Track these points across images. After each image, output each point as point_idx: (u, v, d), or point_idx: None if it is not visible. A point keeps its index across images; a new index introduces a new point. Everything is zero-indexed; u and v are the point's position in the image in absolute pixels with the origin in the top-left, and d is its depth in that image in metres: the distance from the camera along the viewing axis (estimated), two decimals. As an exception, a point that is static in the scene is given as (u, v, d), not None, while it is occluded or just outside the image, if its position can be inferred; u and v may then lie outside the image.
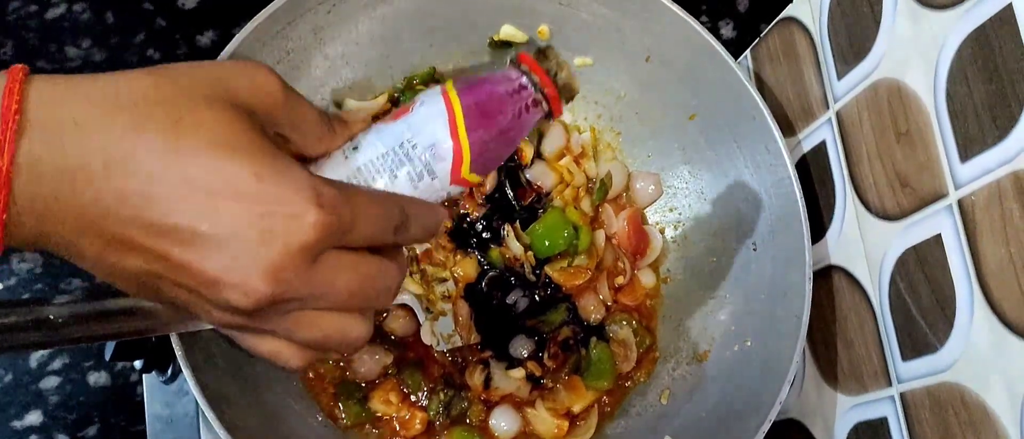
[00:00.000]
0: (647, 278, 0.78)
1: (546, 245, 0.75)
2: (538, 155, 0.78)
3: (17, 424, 0.76)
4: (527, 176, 0.77)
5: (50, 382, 0.77)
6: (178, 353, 0.59)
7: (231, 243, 0.36)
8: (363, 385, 0.71)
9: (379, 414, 0.71)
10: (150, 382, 0.74)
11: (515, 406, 0.73)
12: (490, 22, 0.75)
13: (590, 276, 0.76)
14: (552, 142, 0.78)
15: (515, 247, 0.75)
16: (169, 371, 0.72)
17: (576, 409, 0.73)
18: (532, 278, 0.75)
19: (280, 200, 0.37)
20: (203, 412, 0.59)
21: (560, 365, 0.74)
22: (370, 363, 0.71)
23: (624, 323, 0.76)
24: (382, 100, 0.75)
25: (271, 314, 0.39)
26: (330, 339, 0.41)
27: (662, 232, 0.79)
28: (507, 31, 0.75)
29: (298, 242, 0.37)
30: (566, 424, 0.72)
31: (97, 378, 0.78)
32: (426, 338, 0.71)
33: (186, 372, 0.59)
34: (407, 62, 0.76)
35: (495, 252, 0.75)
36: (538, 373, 0.73)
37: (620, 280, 0.77)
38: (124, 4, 0.87)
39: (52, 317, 0.45)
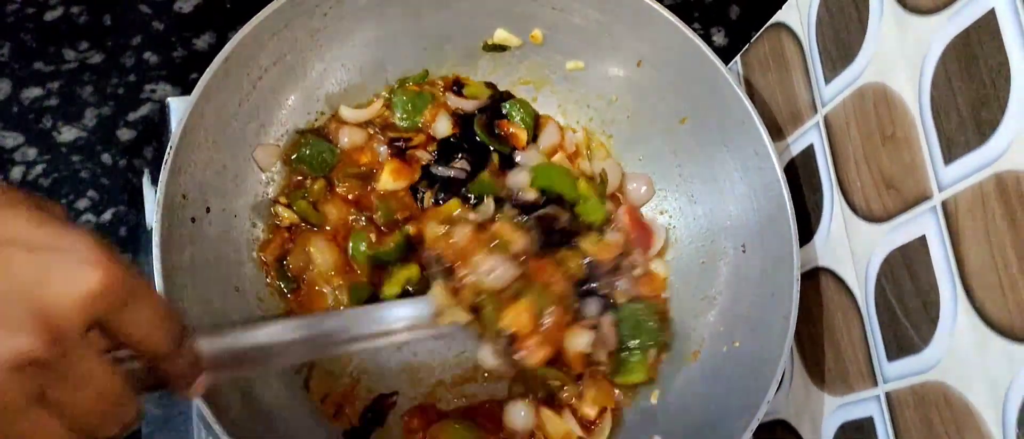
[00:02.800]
0: (660, 268, 0.78)
1: (552, 183, 0.75)
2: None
3: (12, 423, 0.76)
4: (518, 159, 0.77)
5: (45, 381, 0.77)
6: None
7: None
8: None
9: None
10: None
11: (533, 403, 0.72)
12: (484, 25, 0.76)
13: (621, 251, 0.74)
14: (547, 138, 0.79)
15: (519, 179, 0.75)
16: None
17: (593, 413, 0.72)
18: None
19: (57, 243, 0.36)
20: (199, 411, 0.59)
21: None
22: None
23: (651, 322, 0.74)
24: (377, 106, 0.76)
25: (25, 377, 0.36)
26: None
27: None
28: (501, 35, 0.76)
29: (79, 292, 0.36)
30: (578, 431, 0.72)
31: (92, 377, 0.78)
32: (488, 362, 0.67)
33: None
34: (402, 65, 0.77)
35: (486, 179, 0.74)
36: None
37: (637, 271, 0.76)
38: (121, 7, 0.88)
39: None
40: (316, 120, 0.75)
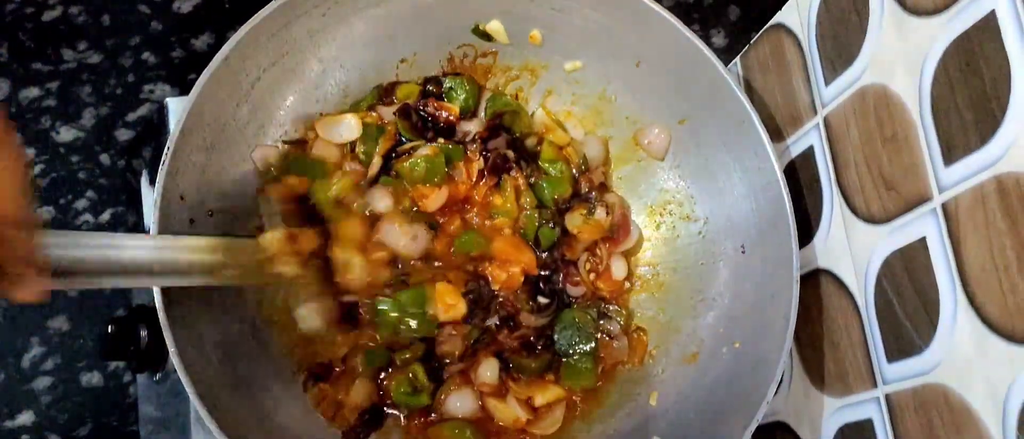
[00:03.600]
0: (619, 268, 0.78)
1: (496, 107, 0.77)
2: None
3: (9, 424, 0.76)
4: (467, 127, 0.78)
5: (42, 382, 0.77)
6: (172, 350, 0.59)
7: None
8: None
9: None
10: (143, 382, 0.75)
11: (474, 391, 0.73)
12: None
13: (601, 237, 0.76)
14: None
15: (469, 127, 0.76)
16: (162, 371, 0.72)
17: (539, 402, 0.73)
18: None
19: None
20: (196, 412, 0.59)
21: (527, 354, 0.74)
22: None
23: (615, 319, 0.76)
24: (354, 123, 0.75)
25: None
26: None
27: (657, 229, 0.80)
28: (494, 27, 0.76)
29: None
30: (528, 415, 0.73)
31: (89, 378, 0.78)
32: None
33: (179, 369, 0.59)
34: (401, 65, 0.77)
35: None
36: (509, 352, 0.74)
37: (601, 266, 0.77)
38: (120, 7, 0.88)
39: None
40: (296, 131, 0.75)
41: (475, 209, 0.75)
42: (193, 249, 0.56)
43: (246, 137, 0.71)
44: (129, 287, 0.67)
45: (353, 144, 0.75)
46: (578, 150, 0.79)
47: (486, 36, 0.76)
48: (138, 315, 0.68)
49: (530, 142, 0.78)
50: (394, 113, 0.76)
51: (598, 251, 0.77)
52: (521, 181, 0.75)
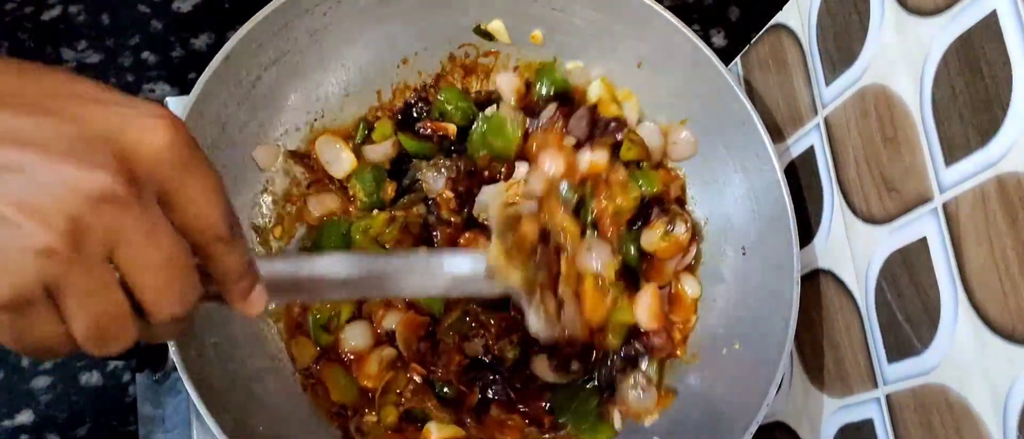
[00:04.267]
0: (691, 286, 0.74)
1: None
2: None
3: (8, 423, 0.76)
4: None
5: (41, 381, 0.77)
6: (172, 349, 0.59)
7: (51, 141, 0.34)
8: None
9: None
10: (142, 382, 0.75)
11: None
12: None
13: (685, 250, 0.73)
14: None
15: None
16: (161, 370, 0.72)
17: None
18: None
19: (127, 102, 0.36)
20: (196, 411, 0.59)
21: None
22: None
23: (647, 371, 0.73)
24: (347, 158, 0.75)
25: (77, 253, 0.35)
26: (110, 323, 0.37)
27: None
28: (496, 26, 0.76)
29: (155, 140, 0.36)
30: None
31: (88, 378, 0.78)
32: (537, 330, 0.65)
33: (180, 368, 0.59)
34: (403, 64, 0.77)
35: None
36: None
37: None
38: (120, 6, 0.88)
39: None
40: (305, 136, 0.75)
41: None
42: (419, 263, 0.58)
43: (247, 136, 0.71)
44: (337, 299, 0.69)
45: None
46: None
47: (487, 35, 0.76)
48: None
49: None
50: (388, 159, 0.75)
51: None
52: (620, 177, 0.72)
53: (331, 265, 0.52)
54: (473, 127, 0.75)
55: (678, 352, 0.74)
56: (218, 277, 0.42)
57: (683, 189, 0.77)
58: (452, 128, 0.76)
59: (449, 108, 0.76)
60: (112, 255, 0.36)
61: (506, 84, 0.77)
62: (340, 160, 0.75)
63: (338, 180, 0.75)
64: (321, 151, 0.74)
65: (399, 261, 0.58)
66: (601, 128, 0.74)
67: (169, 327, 0.40)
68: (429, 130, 0.76)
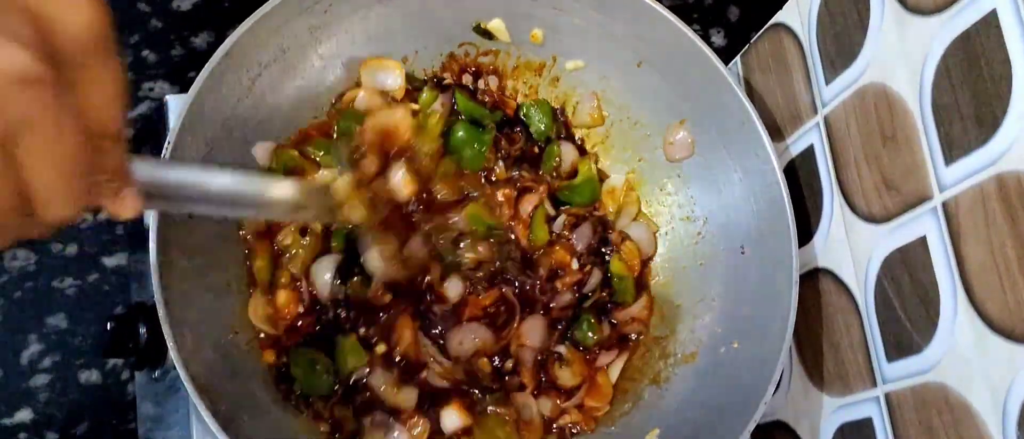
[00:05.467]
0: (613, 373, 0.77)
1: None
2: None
3: (7, 421, 0.76)
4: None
5: (40, 380, 0.77)
6: (171, 348, 0.59)
7: None
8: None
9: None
10: (141, 380, 0.74)
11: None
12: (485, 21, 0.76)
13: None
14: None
15: None
16: (161, 368, 0.72)
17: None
18: None
19: None
20: (195, 410, 0.59)
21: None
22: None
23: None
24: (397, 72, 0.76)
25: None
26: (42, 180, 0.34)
27: (656, 229, 0.80)
28: (496, 25, 0.76)
29: (78, 16, 0.33)
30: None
31: (87, 376, 0.78)
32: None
33: (179, 367, 0.59)
34: (402, 62, 0.77)
35: None
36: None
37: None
38: (119, 5, 0.87)
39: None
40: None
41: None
42: (277, 186, 0.58)
43: (246, 133, 0.71)
44: (211, 214, 0.67)
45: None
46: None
47: (487, 34, 0.76)
48: (137, 313, 0.68)
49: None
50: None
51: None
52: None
53: (194, 175, 0.52)
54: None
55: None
56: (99, 174, 0.38)
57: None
58: (513, 104, 0.78)
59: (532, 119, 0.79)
60: (12, 142, 0.32)
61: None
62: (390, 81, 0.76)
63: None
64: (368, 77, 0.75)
65: (248, 181, 0.57)
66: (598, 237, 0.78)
67: (48, 227, 0.36)
68: (487, 99, 0.77)
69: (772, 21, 0.76)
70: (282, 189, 0.58)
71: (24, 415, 0.76)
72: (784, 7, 0.74)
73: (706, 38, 0.93)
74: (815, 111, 0.70)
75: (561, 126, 0.80)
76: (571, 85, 0.79)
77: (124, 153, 0.39)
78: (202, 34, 0.88)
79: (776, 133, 0.75)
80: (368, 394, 0.70)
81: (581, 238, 0.77)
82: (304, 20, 0.70)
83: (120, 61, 0.36)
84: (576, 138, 0.80)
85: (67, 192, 0.34)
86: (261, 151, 0.72)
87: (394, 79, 0.75)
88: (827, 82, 0.68)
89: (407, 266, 0.67)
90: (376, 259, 0.65)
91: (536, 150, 0.79)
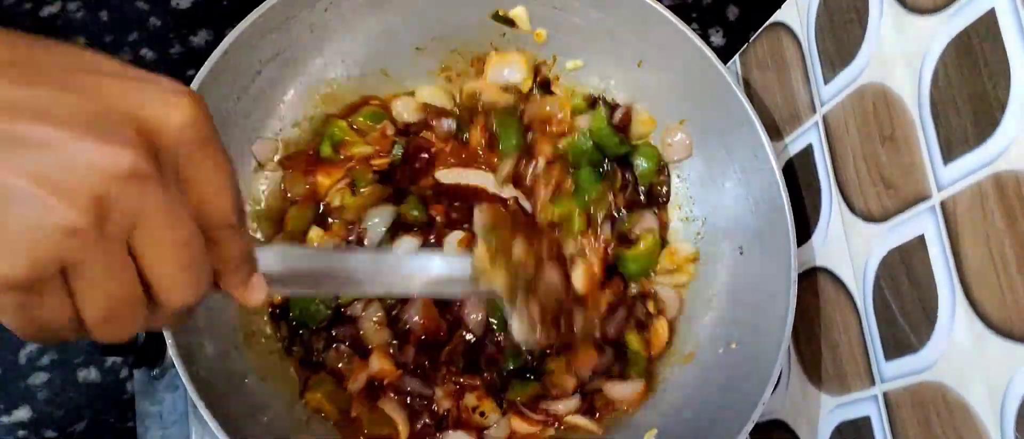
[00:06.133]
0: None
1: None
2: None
3: (5, 420, 0.76)
4: None
5: (39, 378, 0.77)
6: (170, 346, 0.59)
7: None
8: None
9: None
10: (140, 378, 0.75)
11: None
12: (485, 26, 0.76)
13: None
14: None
15: None
16: (159, 366, 0.72)
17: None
18: None
19: (148, 77, 0.35)
20: (194, 407, 0.59)
21: None
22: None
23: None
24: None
25: (99, 235, 0.33)
26: (122, 307, 0.35)
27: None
28: (518, 12, 0.75)
29: (176, 115, 0.34)
30: None
31: (86, 374, 0.78)
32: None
33: (177, 365, 0.59)
34: (402, 60, 0.77)
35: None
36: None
37: None
38: (118, 3, 0.87)
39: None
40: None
41: None
42: (430, 263, 0.57)
43: (246, 130, 0.71)
44: (337, 294, 0.69)
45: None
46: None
47: (508, 22, 0.76)
48: (136, 310, 0.68)
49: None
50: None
51: None
52: None
53: (324, 259, 0.53)
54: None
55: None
56: (221, 264, 0.40)
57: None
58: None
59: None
60: (130, 237, 0.34)
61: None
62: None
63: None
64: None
65: (386, 261, 0.58)
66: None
67: (175, 315, 0.38)
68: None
69: (771, 20, 0.76)
70: (441, 267, 0.57)
71: (23, 413, 0.76)
72: (783, 6, 0.74)
73: (705, 37, 0.93)
74: (814, 110, 0.70)
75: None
76: (571, 84, 0.79)
77: (245, 241, 0.41)
78: (201, 32, 0.88)
79: (775, 132, 0.75)
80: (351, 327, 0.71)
81: (612, 322, 0.74)
82: (304, 17, 0.70)
83: (227, 154, 0.38)
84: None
85: (186, 280, 0.36)
86: (260, 148, 0.72)
87: (519, 72, 0.76)
88: (826, 81, 0.68)
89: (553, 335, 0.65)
90: (522, 327, 0.63)
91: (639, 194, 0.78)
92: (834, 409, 0.67)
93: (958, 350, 0.54)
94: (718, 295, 0.75)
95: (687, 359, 0.74)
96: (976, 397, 0.53)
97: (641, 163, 0.77)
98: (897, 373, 0.60)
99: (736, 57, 0.82)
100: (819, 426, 0.69)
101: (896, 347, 0.60)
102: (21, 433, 0.76)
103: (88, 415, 0.77)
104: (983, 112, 0.51)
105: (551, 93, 0.78)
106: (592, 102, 0.77)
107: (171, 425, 0.71)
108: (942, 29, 0.54)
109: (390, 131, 0.75)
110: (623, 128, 0.77)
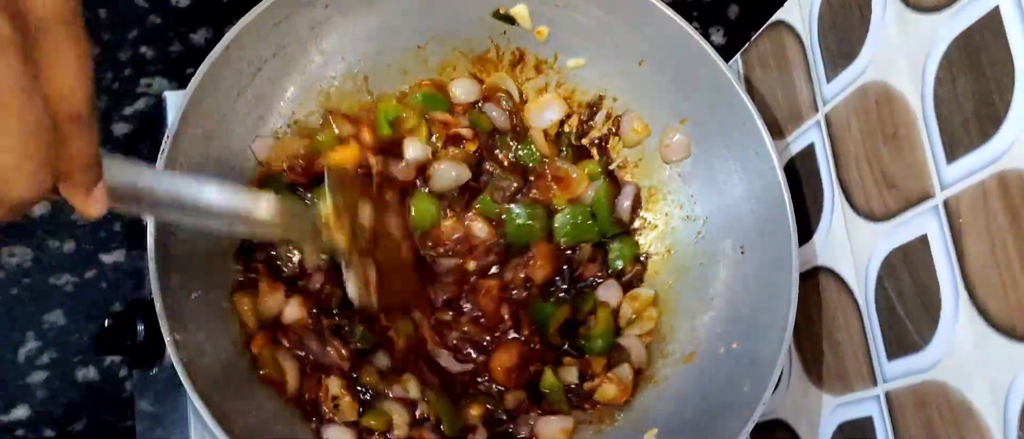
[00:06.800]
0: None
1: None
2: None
3: (4, 419, 0.76)
4: None
5: (37, 377, 0.77)
6: (169, 345, 0.59)
7: None
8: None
9: None
10: (139, 377, 0.74)
11: None
12: (486, 23, 0.76)
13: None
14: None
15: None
16: (158, 366, 0.72)
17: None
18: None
19: None
20: (193, 406, 0.59)
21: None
22: None
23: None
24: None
25: None
26: None
27: (656, 229, 0.80)
28: (519, 10, 0.75)
29: None
30: None
31: (85, 373, 0.78)
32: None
33: (177, 364, 0.59)
34: (402, 58, 0.76)
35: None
36: None
37: None
38: (118, 1, 0.87)
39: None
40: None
41: None
42: (261, 204, 0.57)
43: (246, 128, 0.70)
44: (184, 225, 0.64)
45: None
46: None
47: (509, 20, 0.76)
48: (135, 310, 0.68)
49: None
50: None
51: None
52: None
53: (173, 183, 0.51)
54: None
55: None
56: (66, 163, 0.35)
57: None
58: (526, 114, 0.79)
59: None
60: None
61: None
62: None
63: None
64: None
65: (225, 195, 0.56)
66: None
67: (7, 211, 0.34)
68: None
69: (773, 19, 0.75)
70: (265, 208, 0.57)
71: (21, 412, 0.76)
72: (785, 4, 0.74)
73: (706, 36, 0.93)
74: (816, 109, 0.69)
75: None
76: (572, 84, 0.79)
77: (93, 143, 0.37)
78: (201, 30, 0.87)
79: (776, 131, 0.75)
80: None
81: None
82: (305, 15, 0.70)
83: (88, 38, 0.34)
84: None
85: (27, 171, 0.32)
86: (260, 146, 0.71)
87: (557, 112, 0.79)
88: (828, 80, 0.68)
89: (385, 299, 0.67)
90: (354, 287, 0.65)
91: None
92: (835, 409, 0.67)
93: (961, 350, 0.54)
94: (719, 295, 0.75)
95: (687, 359, 0.74)
96: (979, 397, 0.53)
97: (617, 262, 0.78)
98: (899, 373, 0.60)
99: (738, 56, 0.82)
100: (820, 426, 0.69)
101: (898, 347, 0.60)
102: (19, 432, 0.76)
103: (87, 414, 0.77)
104: (986, 111, 0.51)
105: (583, 147, 0.80)
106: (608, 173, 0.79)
107: (170, 425, 0.71)
108: (945, 27, 0.54)
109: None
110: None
